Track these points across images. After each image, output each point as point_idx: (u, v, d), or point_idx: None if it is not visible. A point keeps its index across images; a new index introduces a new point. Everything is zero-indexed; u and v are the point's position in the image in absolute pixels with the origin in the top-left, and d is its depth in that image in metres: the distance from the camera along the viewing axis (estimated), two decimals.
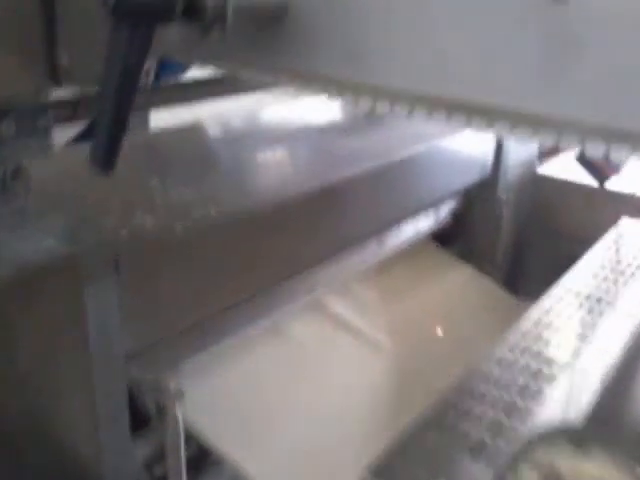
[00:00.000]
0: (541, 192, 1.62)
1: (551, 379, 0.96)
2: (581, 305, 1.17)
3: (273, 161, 1.17)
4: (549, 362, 1.00)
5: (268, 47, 0.63)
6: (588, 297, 1.19)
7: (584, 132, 0.50)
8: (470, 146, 1.44)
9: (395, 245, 1.36)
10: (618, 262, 1.31)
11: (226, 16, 0.56)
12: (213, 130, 1.32)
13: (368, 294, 1.31)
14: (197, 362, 0.99)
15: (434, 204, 1.43)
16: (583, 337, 1.07)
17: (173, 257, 0.87)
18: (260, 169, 1.13)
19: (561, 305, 1.17)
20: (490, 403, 0.91)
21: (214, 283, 0.94)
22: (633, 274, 1.26)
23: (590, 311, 1.15)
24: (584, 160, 1.49)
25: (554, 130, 0.51)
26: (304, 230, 1.07)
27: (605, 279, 1.25)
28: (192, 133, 1.32)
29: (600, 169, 1.48)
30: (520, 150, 1.58)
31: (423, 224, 1.44)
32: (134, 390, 0.88)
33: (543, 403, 0.92)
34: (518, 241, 1.66)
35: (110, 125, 0.54)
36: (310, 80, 0.62)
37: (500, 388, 0.94)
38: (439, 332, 1.32)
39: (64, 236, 0.78)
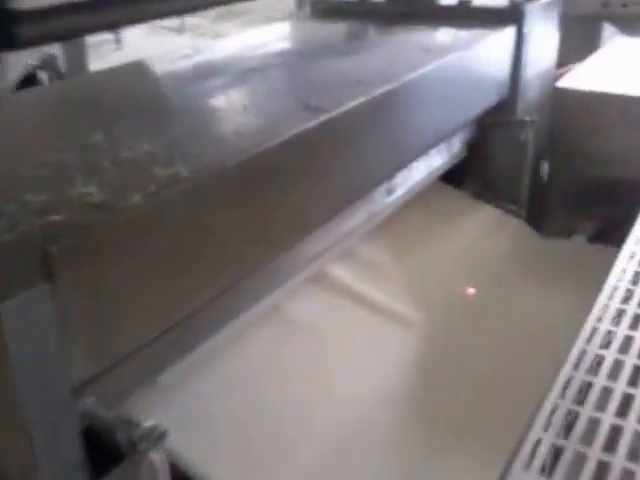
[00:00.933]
0: (564, 109, 1.37)
1: None
2: None
3: (251, 98, 0.90)
4: None
5: None
6: None
7: None
8: (484, 62, 1.18)
9: (406, 191, 1.11)
10: None
11: None
12: (169, 66, 1.04)
13: (380, 257, 1.06)
14: (176, 372, 0.75)
15: (447, 136, 1.17)
16: None
17: (132, 244, 0.60)
18: (236, 110, 0.86)
19: None
20: None
21: (193, 271, 0.68)
22: None
23: None
24: None
25: None
26: (300, 185, 0.81)
27: None
28: (141, 72, 1.04)
29: None
30: (538, 61, 1.32)
31: (436, 161, 1.19)
32: (97, 427, 0.64)
33: None
34: (539, 171, 1.42)
35: None
36: None
37: None
38: (470, 292, 1.08)
39: None
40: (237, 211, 0.71)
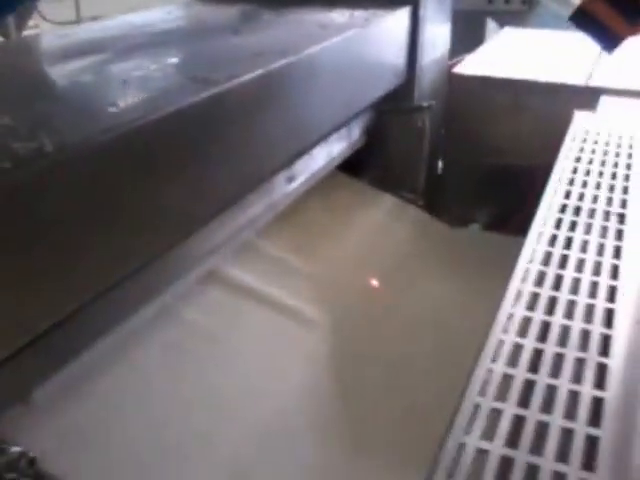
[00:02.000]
0: (459, 95, 1.35)
1: None
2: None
3: (132, 74, 0.79)
4: None
5: None
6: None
7: None
8: (381, 43, 1.13)
9: (306, 179, 1.04)
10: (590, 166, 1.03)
11: None
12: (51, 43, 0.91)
13: (280, 251, 0.98)
14: (53, 387, 0.64)
15: (346, 121, 1.11)
16: None
17: None
18: (115, 86, 0.75)
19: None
20: None
21: (61, 267, 0.57)
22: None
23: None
24: (583, 17, 0.98)
25: None
26: (187, 168, 0.71)
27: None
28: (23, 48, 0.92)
29: (609, 27, 0.97)
30: (433, 46, 1.29)
31: (336, 148, 1.12)
32: None
33: None
34: (435, 159, 1.40)
35: None
36: None
37: None
38: (373, 284, 1.03)
39: None
40: (109, 195, 0.60)
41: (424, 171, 1.29)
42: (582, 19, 0.98)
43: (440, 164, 1.42)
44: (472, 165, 1.38)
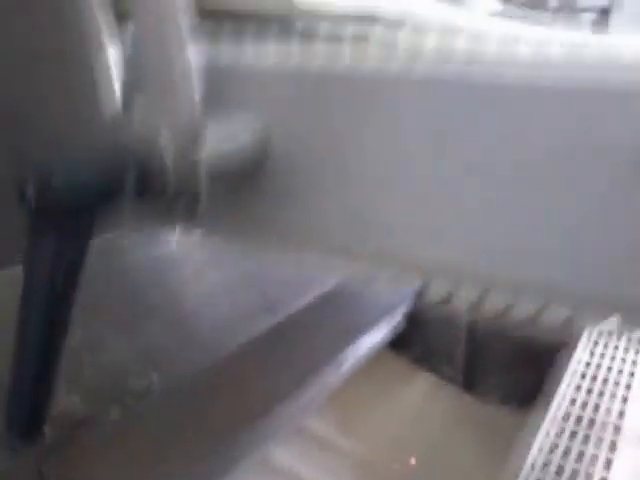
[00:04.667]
0: None
1: None
2: None
3: None
4: None
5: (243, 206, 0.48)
6: None
7: None
8: None
9: (354, 362, 1.22)
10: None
11: (198, 187, 0.41)
12: None
13: (328, 431, 1.14)
14: None
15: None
16: None
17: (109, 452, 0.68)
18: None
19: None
20: None
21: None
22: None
23: None
24: None
25: None
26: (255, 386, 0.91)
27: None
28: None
29: None
30: None
31: (379, 335, 1.31)
32: None
33: None
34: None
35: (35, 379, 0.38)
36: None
37: None
38: (412, 462, 1.17)
39: None
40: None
41: (463, 349, 1.45)
42: None
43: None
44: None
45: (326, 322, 1.06)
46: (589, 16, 1.38)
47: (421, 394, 1.34)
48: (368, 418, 1.21)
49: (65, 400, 0.69)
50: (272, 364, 0.95)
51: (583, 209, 0.38)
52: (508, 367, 1.54)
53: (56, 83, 0.41)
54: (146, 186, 0.39)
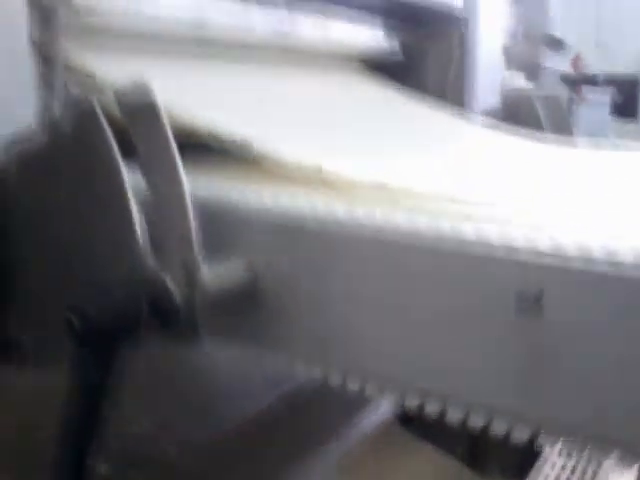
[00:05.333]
0: None
1: None
2: None
3: None
4: None
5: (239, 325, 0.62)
6: None
7: (562, 431, 0.51)
8: None
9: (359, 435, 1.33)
10: None
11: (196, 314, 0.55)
12: None
13: None
14: None
15: None
16: None
17: None
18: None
19: None
20: None
21: None
22: None
23: None
24: None
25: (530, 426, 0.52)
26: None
27: None
28: None
29: None
30: None
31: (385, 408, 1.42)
32: None
33: None
34: None
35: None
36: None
37: None
38: None
39: None
40: None
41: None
42: None
43: None
44: None
45: (333, 394, 1.17)
46: None
47: (423, 467, 1.43)
48: None
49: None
50: (281, 435, 1.06)
51: (484, 343, 0.50)
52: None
53: (98, 234, 0.56)
54: (159, 313, 0.53)
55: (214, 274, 0.55)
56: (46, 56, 0.73)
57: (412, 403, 0.56)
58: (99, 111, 0.55)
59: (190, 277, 0.53)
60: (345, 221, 0.56)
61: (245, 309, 0.59)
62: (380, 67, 1.44)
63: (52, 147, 0.60)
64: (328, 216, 0.57)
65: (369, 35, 1.41)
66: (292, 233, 0.58)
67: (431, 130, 1.25)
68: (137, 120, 0.52)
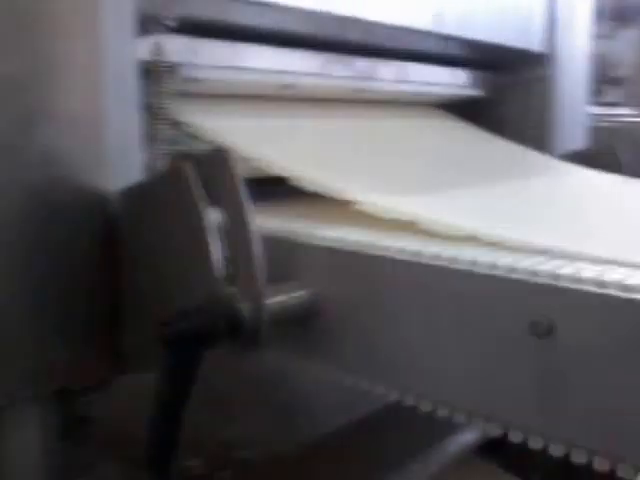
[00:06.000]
0: None
1: None
2: None
3: None
4: None
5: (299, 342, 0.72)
6: None
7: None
8: None
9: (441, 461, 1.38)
10: None
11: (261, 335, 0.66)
12: None
13: None
14: None
15: None
16: None
17: None
18: None
19: None
20: None
21: None
22: None
23: None
24: None
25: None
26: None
27: None
28: None
29: None
30: None
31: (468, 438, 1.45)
32: None
33: None
34: None
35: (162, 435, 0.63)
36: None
37: None
38: None
39: None
40: None
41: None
42: None
43: None
44: None
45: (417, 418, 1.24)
46: None
47: None
48: None
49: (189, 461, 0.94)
50: (363, 450, 1.14)
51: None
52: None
53: (186, 264, 0.69)
54: (231, 328, 0.64)
55: (278, 295, 0.65)
56: (153, 114, 0.88)
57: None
58: (189, 163, 0.67)
59: (256, 300, 0.64)
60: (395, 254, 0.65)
61: (305, 326, 0.69)
62: (461, 107, 1.52)
63: (152, 190, 0.74)
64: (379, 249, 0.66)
65: (452, 78, 1.49)
66: (348, 260, 0.68)
67: (531, 174, 1.28)
68: (215, 171, 0.64)
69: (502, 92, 1.54)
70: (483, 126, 1.49)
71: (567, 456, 0.55)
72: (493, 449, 1.52)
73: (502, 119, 1.51)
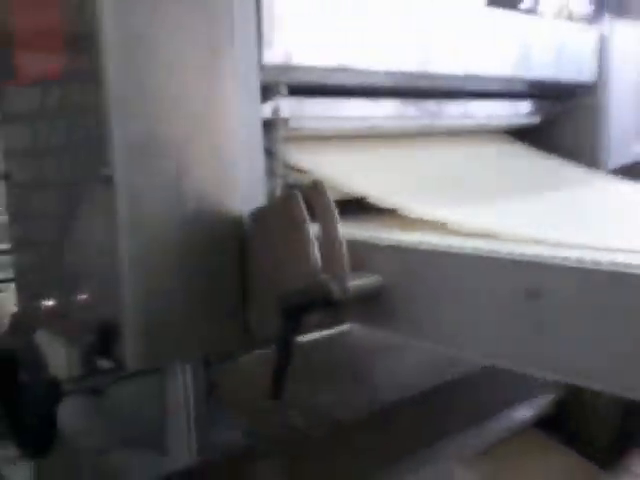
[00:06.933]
0: None
1: None
2: None
3: None
4: None
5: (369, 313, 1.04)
6: None
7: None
8: None
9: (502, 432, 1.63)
10: None
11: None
12: None
13: None
14: None
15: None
16: None
17: None
18: None
19: None
20: None
21: None
22: None
23: None
24: None
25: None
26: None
27: None
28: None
29: None
30: None
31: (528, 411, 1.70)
32: None
33: None
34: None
35: (279, 366, 0.98)
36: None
37: None
38: None
39: None
40: None
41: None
42: None
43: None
44: None
45: (484, 389, 1.52)
46: None
47: (560, 469, 1.69)
48: None
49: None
50: (437, 411, 1.43)
51: None
52: None
53: (295, 260, 1.02)
54: (325, 302, 0.98)
55: (357, 280, 0.98)
56: (270, 155, 1.23)
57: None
58: (297, 191, 1.01)
59: (342, 283, 0.97)
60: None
61: (376, 302, 1.01)
62: (519, 133, 1.79)
63: (272, 211, 1.08)
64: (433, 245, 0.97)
65: (512, 110, 1.76)
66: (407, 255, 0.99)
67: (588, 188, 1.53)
68: (314, 196, 0.98)
69: (557, 118, 1.79)
70: (542, 149, 1.75)
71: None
72: (552, 425, 1.75)
73: (556, 143, 1.77)
